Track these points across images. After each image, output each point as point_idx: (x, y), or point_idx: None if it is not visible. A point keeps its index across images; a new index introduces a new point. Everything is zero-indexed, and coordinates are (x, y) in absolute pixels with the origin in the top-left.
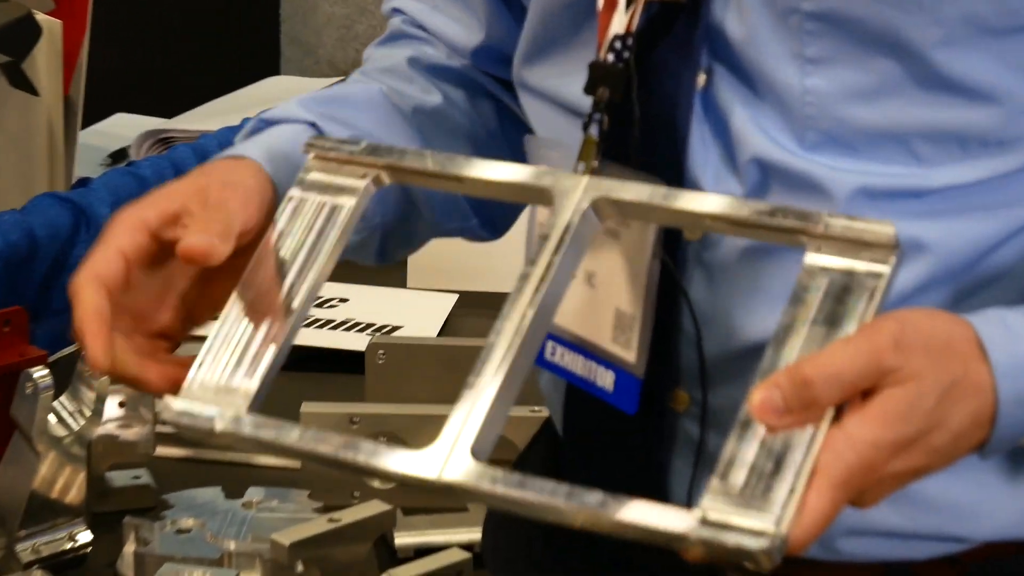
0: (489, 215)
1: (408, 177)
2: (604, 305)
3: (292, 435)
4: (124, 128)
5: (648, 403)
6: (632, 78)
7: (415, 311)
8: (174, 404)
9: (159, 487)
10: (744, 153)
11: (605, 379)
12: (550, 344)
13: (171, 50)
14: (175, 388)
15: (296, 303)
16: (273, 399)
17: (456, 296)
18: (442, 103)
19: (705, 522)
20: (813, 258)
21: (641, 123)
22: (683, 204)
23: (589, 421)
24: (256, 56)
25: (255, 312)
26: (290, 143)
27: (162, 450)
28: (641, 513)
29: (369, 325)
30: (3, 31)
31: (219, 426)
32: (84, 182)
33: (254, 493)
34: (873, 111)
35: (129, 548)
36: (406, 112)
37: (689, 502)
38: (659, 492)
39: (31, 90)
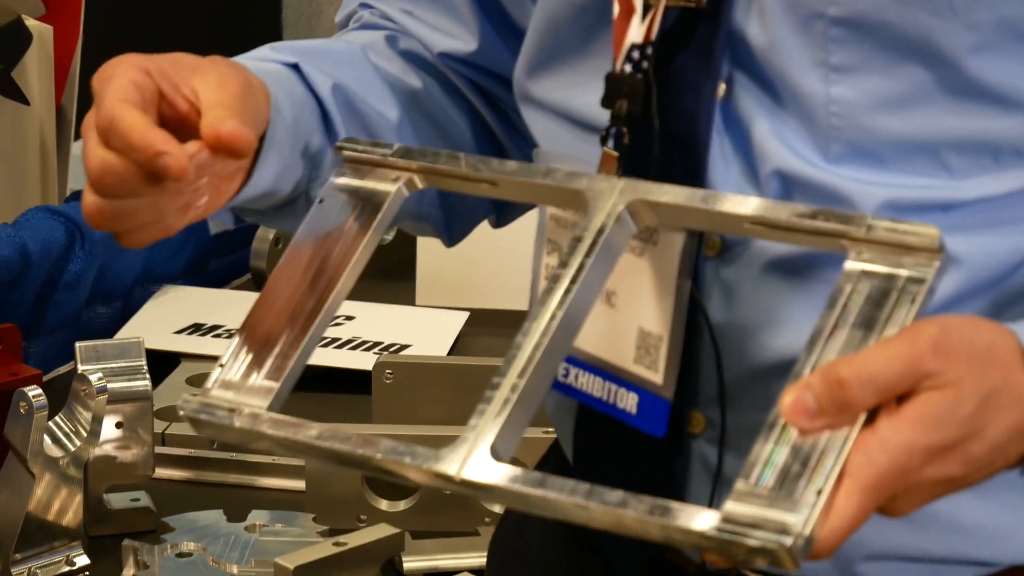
0: (450, 218)
1: (442, 181)
2: (626, 325)
3: (310, 432)
4: None
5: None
6: (652, 89)
7: (424, 329)
8: (194, 400)
9: (159, 510)
10: (766, 166)
11: (627, 401)
12: (563, 366)
13: None
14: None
15: (323, 307)
16: None
17: (467, 314)
18: (421, 88)
19: (728, 521)
20: (853, 262)
21: (660, 135)
22: (722, 206)
23: (601, 445)
24: None
25: (280, 315)
26: (273, 78)
27: (162, 472)
28: (662, 512)
29: (376, 343)
30: None
31: (238, 422)
32: (78, 196)
33: (257, 516)
34: (901, 121)
35: (128, 572)
36: (389, 83)
37: None
38: None
39: (22, 99)
